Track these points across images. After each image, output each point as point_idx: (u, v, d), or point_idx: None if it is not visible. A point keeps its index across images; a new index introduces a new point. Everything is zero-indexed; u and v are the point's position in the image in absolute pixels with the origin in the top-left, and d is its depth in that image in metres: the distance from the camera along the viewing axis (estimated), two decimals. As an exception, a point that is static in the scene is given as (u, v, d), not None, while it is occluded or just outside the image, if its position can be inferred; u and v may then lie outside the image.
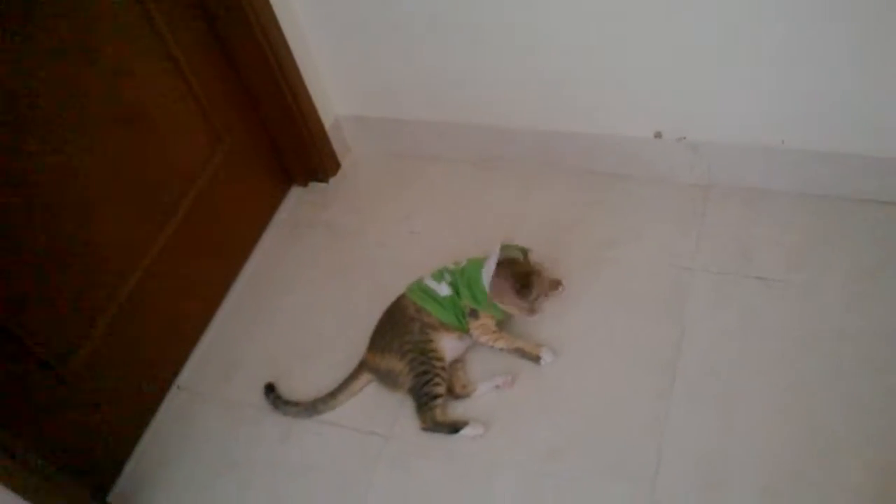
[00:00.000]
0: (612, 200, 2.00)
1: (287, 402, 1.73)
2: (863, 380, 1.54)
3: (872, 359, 1.56)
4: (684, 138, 1.88)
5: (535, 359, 1.67)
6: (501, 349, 1.69)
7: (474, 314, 1.66)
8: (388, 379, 1.67)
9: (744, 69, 1.69)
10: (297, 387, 1.78)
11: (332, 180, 2.26)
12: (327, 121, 2.18)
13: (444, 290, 1.66)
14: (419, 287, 1.69)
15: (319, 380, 1.76)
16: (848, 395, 1.52)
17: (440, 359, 1.63)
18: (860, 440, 1.46)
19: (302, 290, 2.00)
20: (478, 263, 1.65)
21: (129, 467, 1.74)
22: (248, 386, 1.82)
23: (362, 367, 1.71)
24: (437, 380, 1.61)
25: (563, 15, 1.71)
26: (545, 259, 1.72)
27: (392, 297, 1.73)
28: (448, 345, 1.66)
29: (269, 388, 1.76)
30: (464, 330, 1.67)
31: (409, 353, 1.62)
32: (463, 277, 1.66)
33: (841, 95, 1.66)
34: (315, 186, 2.27)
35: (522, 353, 1.68)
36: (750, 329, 1.66)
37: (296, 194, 2.26)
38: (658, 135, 1.90)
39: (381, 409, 1.70)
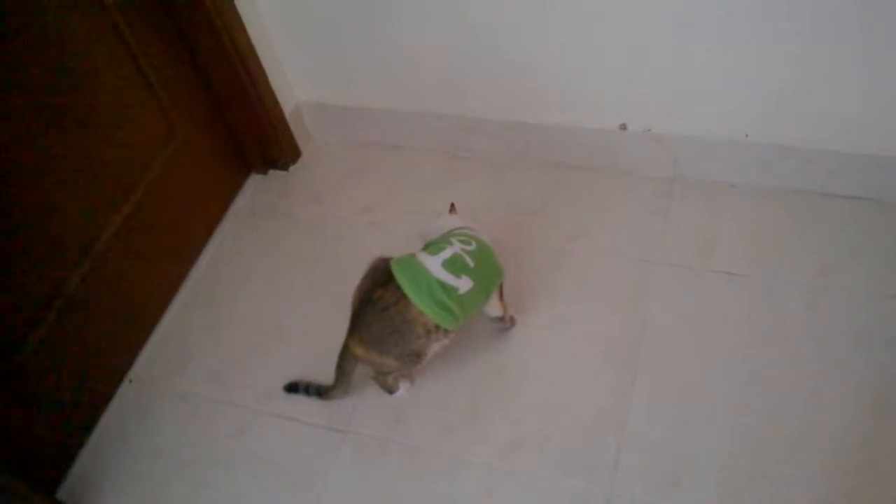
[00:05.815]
0: (578, 192, 1.98)
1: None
2: (823, 376, 1.54)
3: (834, 355, 1.57)
4: (649, 130, 1.87)
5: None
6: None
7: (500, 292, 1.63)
8: (377, 368, 1.59)
9: (708, 62, 1.68)
10: (253, 379, 1.75)
11: (292, 168, 2.21)
12: (287, 107, 2.13)
13: (465, 284, 1.48)
14: (433, 298, 1.44)
15: (276, 372, 1.73)
16: (809, 391, 1.53)
17: (429, 354, 1.56)
18: (819, 437, 1.46)
19: (259, 281, 1.95)
20: (484, 245, 1.56)
21: (78, 463, 1.69)
22: (203, 378, 1.78)
23: (350, 354, 1.57)
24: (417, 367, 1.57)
25: (530, 6, 1.69)
26: (510, 252, 1.69)
27: (352, 288, 1.57)
28: (442, 344, 1.57)
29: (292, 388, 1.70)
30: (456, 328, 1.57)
31: (408, 357, 1.53)
32: (483, 261, 1.53)
33: (804, 90, 1.67)
34: (274, 174, 2.22)
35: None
36: (712, 323, 1.66)
37: (254, 182, 2.21)
38: (623, 127, 1.89)
39: (337, 403, 1.67)
